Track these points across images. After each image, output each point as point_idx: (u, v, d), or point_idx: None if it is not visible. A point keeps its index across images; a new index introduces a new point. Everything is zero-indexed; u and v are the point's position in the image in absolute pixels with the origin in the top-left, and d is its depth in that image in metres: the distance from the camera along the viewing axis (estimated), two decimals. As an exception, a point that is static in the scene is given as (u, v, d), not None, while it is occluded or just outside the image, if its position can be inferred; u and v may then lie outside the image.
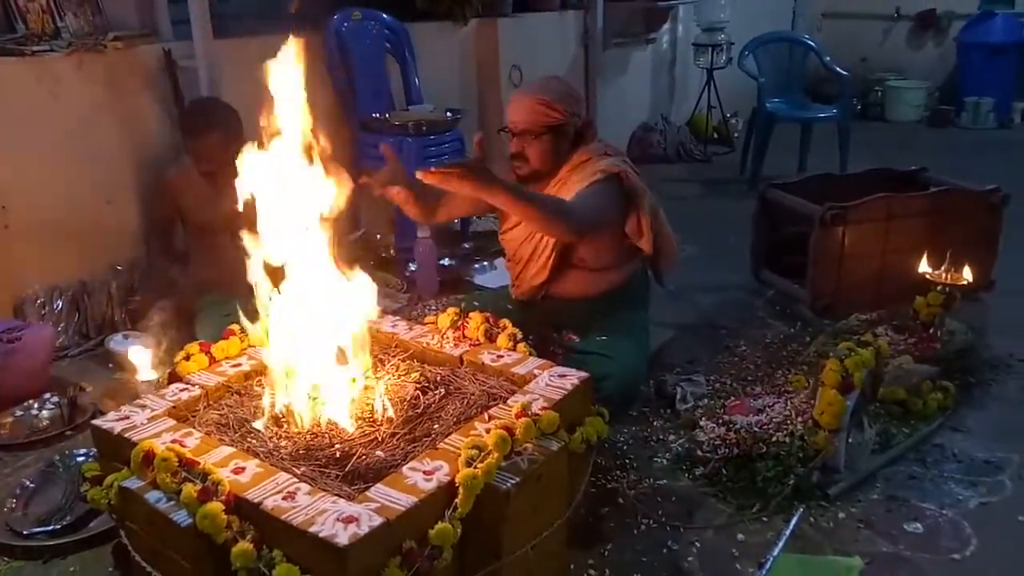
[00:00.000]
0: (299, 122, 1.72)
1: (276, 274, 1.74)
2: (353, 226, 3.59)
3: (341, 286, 1.79)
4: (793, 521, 1.92)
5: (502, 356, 1.95)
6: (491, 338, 2.03)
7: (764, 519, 2.00)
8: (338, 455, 1.61)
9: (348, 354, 1.77)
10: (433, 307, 2.78)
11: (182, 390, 1.84)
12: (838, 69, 5.12)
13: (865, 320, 2.87)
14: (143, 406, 1.76)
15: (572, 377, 1.83)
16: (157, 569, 1.53)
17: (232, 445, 1.62)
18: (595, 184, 2.24)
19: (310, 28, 3.70)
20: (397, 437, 1.67)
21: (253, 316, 1.85)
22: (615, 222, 2.31)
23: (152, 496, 1.50)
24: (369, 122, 3.64)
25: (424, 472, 1.49)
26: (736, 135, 6.11)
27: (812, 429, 2.11)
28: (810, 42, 5.47)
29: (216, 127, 2.73)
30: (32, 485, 2.11)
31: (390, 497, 1.42)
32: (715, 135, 6.10)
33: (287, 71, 1.71)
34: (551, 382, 1.81)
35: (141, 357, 2.28)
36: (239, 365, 1.96)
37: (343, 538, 1.32)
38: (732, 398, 2.45)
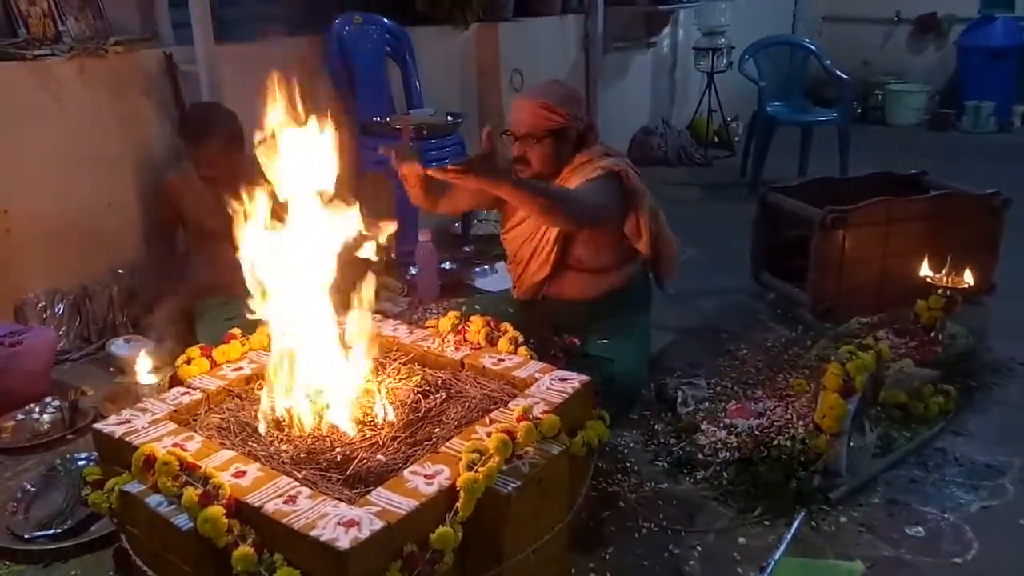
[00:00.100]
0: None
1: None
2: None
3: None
4: (794, 525, 1.93)
5: (503, 360, 1.95)
6: (492, 342, 2.03)
7: (765, 523, 2.00)
8: (339, 459, 1.61)
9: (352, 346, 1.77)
10: (434, 311, 2.80)
11: (183, 394, 1.84)
12: (838, 73, 5.13)
13: (866, 324, 2.88)
14: (144, 410, 1.76)
15: (573, 381, 1.82)
16: (158, 573, 1.53)
17: (233, 449, 1.62)
18: (596, 180, 2.25)
19: (311, 32, 3.73)
20: (398, 441, 1.67)
21: (255, 319, 1.84)
22: (615, 218, 2.31)
23: (153, 500, 1.50)
24: (370, 126, 3.64)
25: (425, 476, 1.49)
26: (737, 139, 6.11)
27: (813, 433, 2.10)
28: (810, 46, 5.48)
29: (217, 132, 2.73)
30: (33, 489, 2.11)
31: (391, 501, 1.42)
32: (716, 139, 6.10)
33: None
34: (552, 386, 1.81)
35: (142, 361, 2.28)
36: (240, 369, 1.96)
37: (344, 542, 1.31)
38: (733, 402, 2.44)
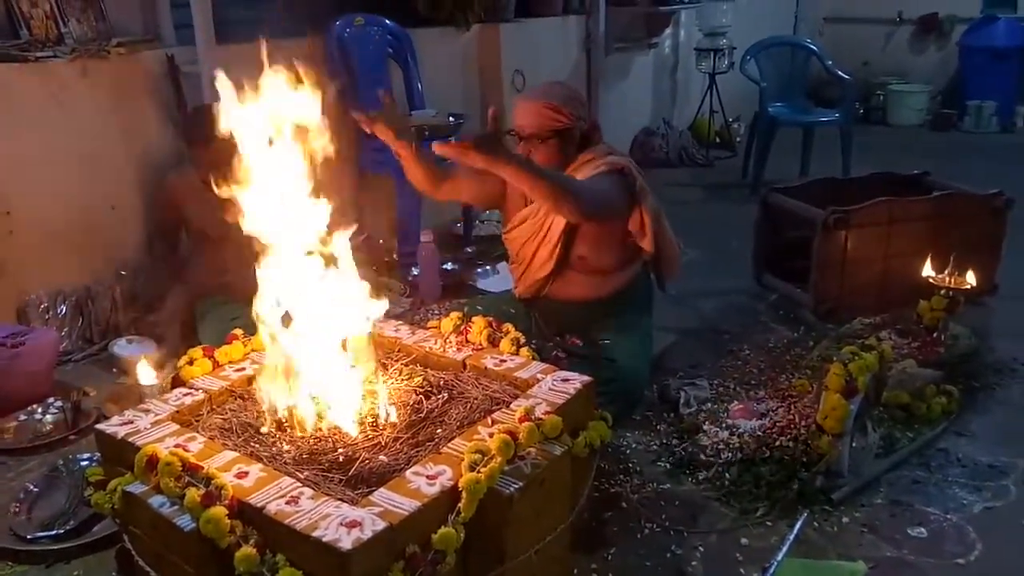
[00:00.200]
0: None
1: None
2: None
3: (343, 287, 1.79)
4: (797, 526, 1.92)
5: (505, 360, 1.95)
6: (494, 342, 2.03)
7: (768, 523, 1.99)
8: (341, 459, 1.61)
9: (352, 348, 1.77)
10: (436, 311, 2.79)
11: (185, 394, 1.84)
12: (840, 73, 5.12)
13: (868, 324, 2.87)
14: (147, 410, 1.76)
15: (575, 381, 1.82)
16: (160, 574, 1.54)
17: (235, 449, 1.63)
18: (600, 175, 2.24)
19: (313, 33, 3.73)
20: (400, 441, 1.67)
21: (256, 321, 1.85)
22: (621, 213, 2.31)
23: (155, 500, 1.50)
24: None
25: (427, 476, 1.49)
26: (738, 139, 6.11)
27: (816, 433, 2.10)
28: (812, 46, 5.48)
29: (218, 134, 2.73)
30: (36, 489, 2.11)
31: (393, 501, 1.42)
32: (717, 139, 6.10)
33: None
34: (554, 386, 1.81)
35: (144, 362, 2.28)
36: (242, 369, 1.96)
37: (346, 543, 1.32)
38: (735, 402, 2.44)
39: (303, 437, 1.69)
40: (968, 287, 2.70)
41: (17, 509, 2.04)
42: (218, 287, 2.80)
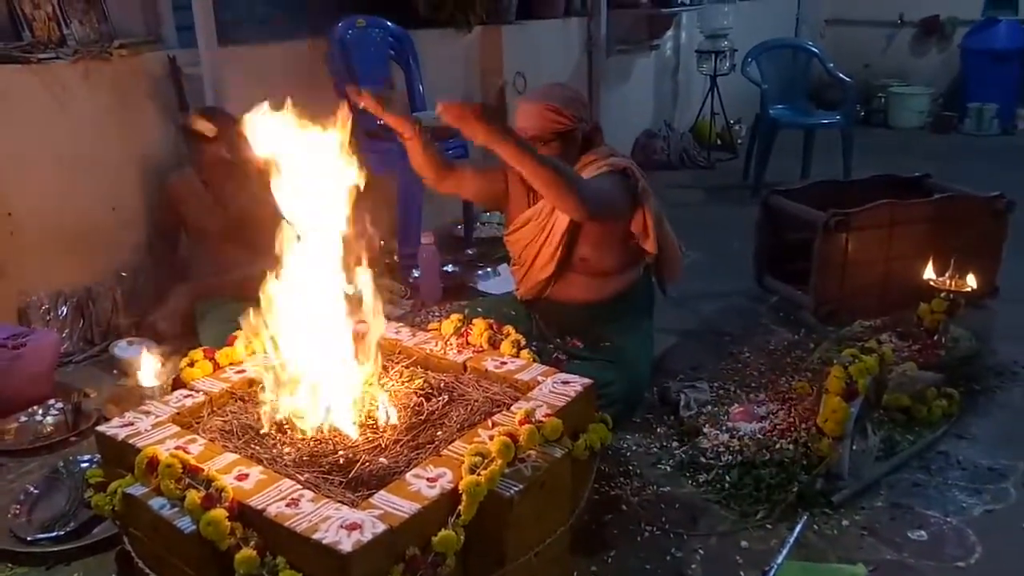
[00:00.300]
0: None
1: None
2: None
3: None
4: (797, 528, 1.92)
5: (505, 363, 1.95)
6: (495, 344, 2.03)
7: (768, 526, 1.99)
8: (342, 462, 1.61)
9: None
10: (436, 313, 2.79)
11: (186, 396, 1.84)
12: (841, 75, 5.13)
13: (869, 327, 2.87)
14: (147, 412, 1.76)
15: (576, 384, 1.82)
16: (161, 576, 1.54)
17: (236, 452, 1.63)
18: (603, 176, 2.24)
19: (314, 35, 3.73)
20: (401, 444, 1.67)
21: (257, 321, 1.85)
22: (623, 213, 2.30)
23: (156, 502, 1.50)
24: (373, 129, 3.64)
25: (427, 479, 1.49)
26: (739, 141, 6.11)
27: (816, 436, 2.10)
28: (813, 48, 5.49)
29: (218, 136, 2.74)
30: (36, 491, 2.11)
31: (393, 504, 1.42)
32: (718, 141, 6.10)
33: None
34: (555, 389, 1.81)
35: (145, 363, 2.28)
36: (243, 371, 1.96)
37: (346, 545, 1.32)
38: (736, 405, 2.44)
39: (303, 439, 1.69)
40: (969, 290, 2.69)
41: (17, 511, 2.04)
42: (218, 287, 2.80)
